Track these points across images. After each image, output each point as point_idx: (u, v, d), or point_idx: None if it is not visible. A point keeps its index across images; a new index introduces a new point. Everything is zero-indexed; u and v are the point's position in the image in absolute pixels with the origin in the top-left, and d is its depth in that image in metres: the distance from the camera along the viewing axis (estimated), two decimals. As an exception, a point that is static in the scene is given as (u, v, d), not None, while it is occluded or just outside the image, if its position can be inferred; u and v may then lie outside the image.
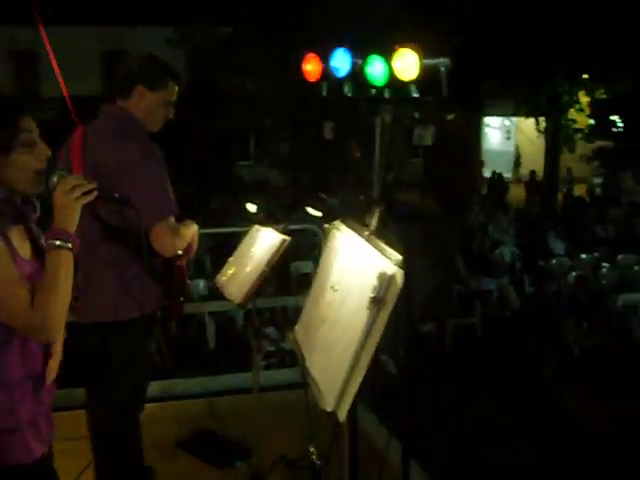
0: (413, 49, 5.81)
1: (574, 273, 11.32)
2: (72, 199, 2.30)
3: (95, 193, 2.36)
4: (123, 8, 21.90)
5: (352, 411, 2.65)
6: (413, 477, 4.10)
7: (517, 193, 22.25)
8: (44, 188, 2.31)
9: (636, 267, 12.12)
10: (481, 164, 25.27)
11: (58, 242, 2.28)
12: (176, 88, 3.49)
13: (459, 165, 18.91)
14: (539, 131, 19.73)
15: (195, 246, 3.57)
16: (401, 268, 2.19)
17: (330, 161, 16.26)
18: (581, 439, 7.79)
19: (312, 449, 3.22)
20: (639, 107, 19.26)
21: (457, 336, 10.54)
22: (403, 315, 3.00)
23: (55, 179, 2.31)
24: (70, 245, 2.29)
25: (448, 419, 8.13)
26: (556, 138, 19.48)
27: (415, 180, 21.50)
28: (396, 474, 3.41)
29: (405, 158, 19.55)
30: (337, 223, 2.91)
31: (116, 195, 2.59)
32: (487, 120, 27.96)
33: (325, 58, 6.21)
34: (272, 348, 8.75)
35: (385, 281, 2.22)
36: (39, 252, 2.40)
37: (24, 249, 2.35)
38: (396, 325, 2.79)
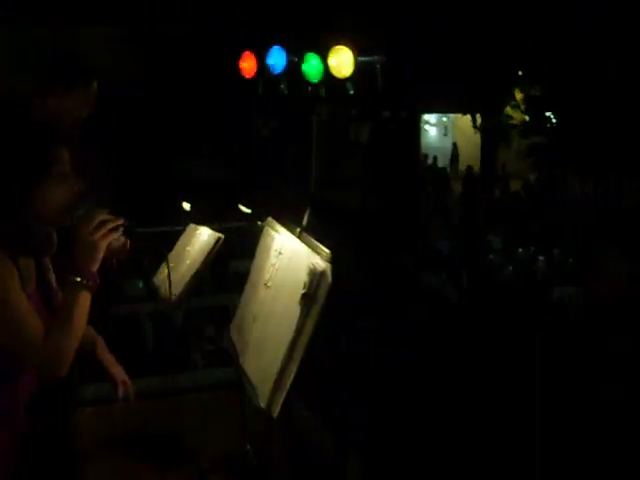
0: (348, 46, 5.86)
1: (511, 267, 11.53)
2: (98, 238, 2.25)
3: (121, 230, 2.30)
4: (74, 6, 21.39)
5: (287, 408, 2.66)
6: (350, 470, 4.14)
7: (455, 188, 22.52)
8: (70, 222, 2.25)
9: (570, 260, 12.40)
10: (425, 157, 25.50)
11: (78, 279, 2.23)
12: (95, 86, 3.45)
13: (398, 162, 19.07)
14: (475, 127, 20.01)
15: (127, 246, 3.53)
16: (332, 264, 2.20)
17: (269, 158, 16.24)
18: (515, 430, 7.95)
19: (248, 447, 3.22)
20: (573, 104, 19.66)
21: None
22: (341, 310, 3.03)
23: (81, 212, 2.26)
24: (90, 284, 2.24)
25: (392, 414, 8.23)
26: (492, 134, 19.79)
27: (356, 177, 21.62)
28: (334, 468, 3.44)
29: (344, 155, 19.65)
30: (269, 220, 2.93)
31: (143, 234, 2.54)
32: (425, 117, 28.23)
33: (261, 56, 6.22)
34: (212, 347, 8.69)
35: (316, 277, 2.24)
36: (43, 286, 2.35)
37: (28, 280, 2.29)
38: (334, 320, 2.81)
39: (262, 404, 2.31)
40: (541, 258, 12.57)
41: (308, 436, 3.52)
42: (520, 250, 12.95)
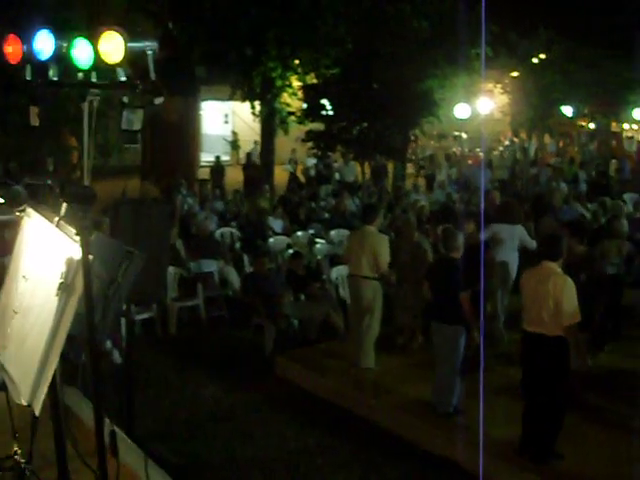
0: (119, 32, 5.71)
1: (291, 250, 11.80)
2: None
3: None
4: None
5: (55, 404, 2.58)
6: (134, 464, 4.12)
7: (235, 176, 22.64)
8: None
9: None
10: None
11: None
12: None
13: (175, 149, 18.89)
14: (254, 114, 20.21)
15: None
16: (89, 253, 2.18)
17: (42, 148, 15.55)
18: (303, 406, 8.20)
19: (16, 448, 3.11)
20: (346, 92, 20.40)
21: (181, 319, 10.61)
22: (112, 300, 2.98)
23: None
24: None
25: (177, 402, 8.20)
26: (271, 121, 20.06)
27: (136, 165, 21.15)
28: (119, 463, 3.41)
29: (122, 143, 19.09)
30: (27, 210, 2.82)
31: None
32: (204, 104, 28.14)
33: (27, 40, 5.92)
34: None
35: (73, 266, 2.20)
36: None
37: None
38: (107, 311, 2.77)
39: (24, 401, 2.23)
40: (320, 240, 12.99)
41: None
42: (299, 233, 13.31)
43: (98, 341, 2.57)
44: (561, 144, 35.80)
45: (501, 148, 34.05)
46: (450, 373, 7.35)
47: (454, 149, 33.21)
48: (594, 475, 6.29)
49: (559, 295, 6.21)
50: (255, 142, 24.87)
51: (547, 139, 35.70)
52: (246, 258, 12.05)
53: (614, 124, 36.58)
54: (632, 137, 36.70)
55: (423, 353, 8.80)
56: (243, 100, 20.20)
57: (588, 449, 6.67)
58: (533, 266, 6.74)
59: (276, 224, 13.98)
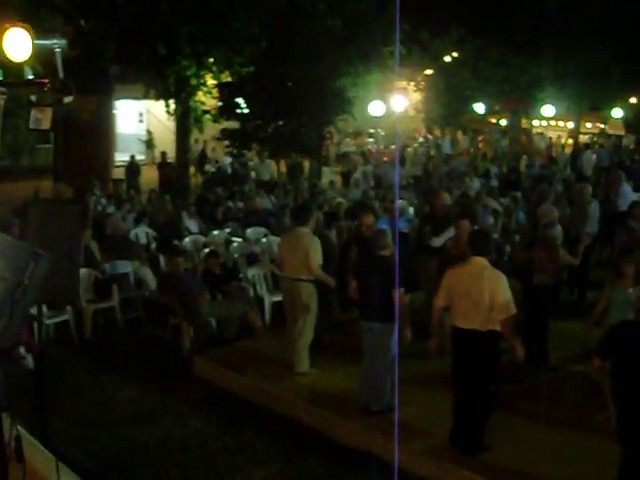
0: (24, 29, 5.57)
1: (207, 249, 11.74)
2: None
3: None
4: None
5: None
6: (44, 469, 4.05)
7: (150, 175, 22.41)
8: None
9: (264, 240, 12.92)
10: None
11: None
12: None
13: (89, 149, 18.57)
14: (169, 113, 20.01)
15: None
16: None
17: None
18: (222, 405, 8.19)
19: None
20: (261, 90, 20.42)
21: (97, 321, 10.46)
22: (19, 303, 2.93)
23: None
24: None
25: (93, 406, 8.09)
26: (185, 120, 19.89)
27: (49, 165, 20.68)
28: (26, 468, 3.34)
29: (33, 143, 18.68)
30: None
31: None
32: (119, 103, 27.65)
33: None
34: None
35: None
36: None
37: None
38: (14, 313, 2.72)
39: None
40: (236, 239, 12.97)
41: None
42: (216, 232, 13.27)
43: (5, 343, 2.52)
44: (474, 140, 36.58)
45: (415, 145, 34.51)
46: (382, 371, 7.33)
47: (369, 146, 33.52)
48: (511, 466, 6.46)
49: (494, 289, 6.33)
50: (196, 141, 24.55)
51: (460, 136, 36.41)
52: (162, 258, 11.93)
53: (524, 121, 37.54)
54: (542, 133, 37.77)
55: (341, 348, 8.92)
56: (157, 99, 19.94)
57: (512, 441, 6.82)
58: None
59: (192, 224, 13.88)
